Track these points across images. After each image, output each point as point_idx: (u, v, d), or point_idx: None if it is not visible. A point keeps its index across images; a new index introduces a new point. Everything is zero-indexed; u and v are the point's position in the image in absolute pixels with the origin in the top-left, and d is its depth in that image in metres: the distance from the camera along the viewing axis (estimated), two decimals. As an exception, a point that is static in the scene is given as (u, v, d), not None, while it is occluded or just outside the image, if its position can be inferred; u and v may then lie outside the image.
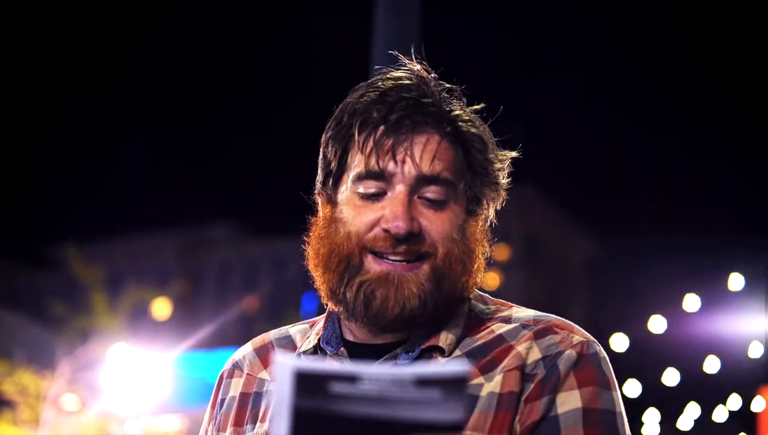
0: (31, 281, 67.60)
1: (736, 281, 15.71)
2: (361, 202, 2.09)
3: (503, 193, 2.23)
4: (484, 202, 2.19)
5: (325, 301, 2.17)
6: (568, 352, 2.02)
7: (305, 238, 2.20)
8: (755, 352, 16.29)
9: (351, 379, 1.28)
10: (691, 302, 17.36)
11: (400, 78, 2.15)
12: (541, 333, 2.06)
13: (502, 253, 54.67)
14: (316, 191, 2.24)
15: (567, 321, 2.13)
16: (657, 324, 17.70)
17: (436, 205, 2.08)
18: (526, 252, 56.03)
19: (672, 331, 17.83)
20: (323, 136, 2.19)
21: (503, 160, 2.22)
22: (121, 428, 23.31)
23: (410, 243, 2.04)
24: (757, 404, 17.30)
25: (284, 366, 1.29)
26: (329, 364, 1.33)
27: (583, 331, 2.10)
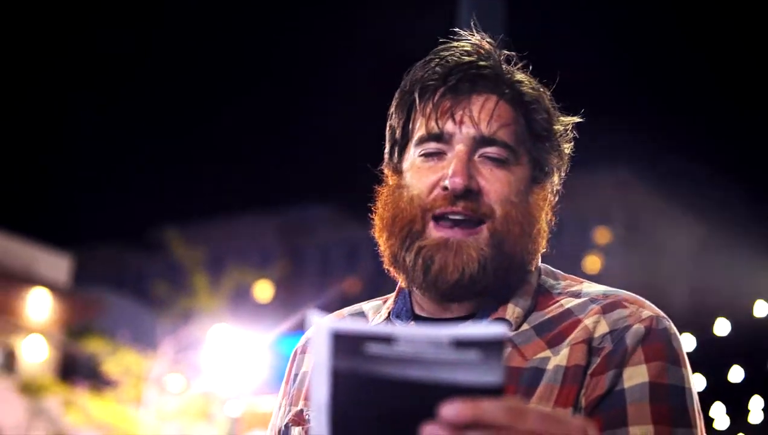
0: (134, 264, 68.65)
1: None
2: (423, 165, 2.09)
3: (567, 160, 2.21)
4: (548, 169, 2.16)
5: (386, 267, 2.17)
6: (636, 326, 1.98)
7: (372, 208, 2.19)
8: None
9: (387, 340, 1.27)
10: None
11: (463, 47, 2.16)
12: (609, 307, 2.03)
13: (603, 236, 54.37)
14: (384, 164, 2.24)
15: (637, 296, 2.09)
16: (762, 309, 17.48)
17: (496, 163, 2.06)
18: (626, 236, 55.66)
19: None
20: (390, 108, 2.20)
21: (566, 126, 2.19)
22: (222, 408, 23.57)
23: (468, 200, 2.02)
24: None
25: (321, 328, 1.28)
26: (366, 325, 1.31)
27: (654, 306, 2.06)
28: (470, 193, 2.03)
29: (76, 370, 31.96)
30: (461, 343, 1.26)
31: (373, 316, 2.32)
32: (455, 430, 1.24)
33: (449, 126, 2.06)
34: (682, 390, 1.93)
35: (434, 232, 2.04)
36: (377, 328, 1.31)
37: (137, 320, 34.00)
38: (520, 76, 2.15)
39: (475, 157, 2.06)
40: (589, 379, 1.94)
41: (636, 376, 1.92)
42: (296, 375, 2.32)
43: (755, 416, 22.49)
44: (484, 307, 2.08)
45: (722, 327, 17.47)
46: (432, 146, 2.08)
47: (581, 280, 2.20)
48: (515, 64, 2.20)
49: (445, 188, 2.03)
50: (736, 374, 19.39)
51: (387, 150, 2.22)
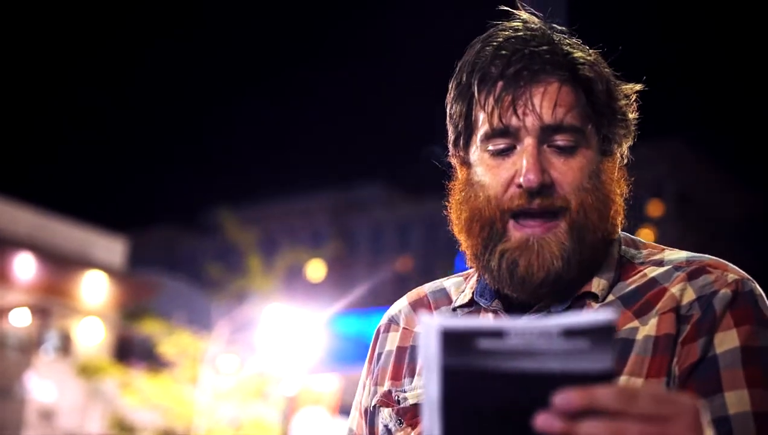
0: (187, 246, 69.26)
1: None
2: (493, 161, 2.06)
3: (633, 129, 2.18)
4: (616, 141, 2.13)
5: (469, 265, 2.16)
6: (723, 291, 1.96)
7: (446, 202, 2.18)
8: None
9: (498, 334, 1.27)
10: None
11: (515, 28, 2.11)
12: (694, 274, 2.01)
13: (655, 209, 54.17)
14: (450, 153, 2.21)
15: (721, 260, 2.07)
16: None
17: (566, 152, 2.03)
18: (679, 208, 55.42)
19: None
20: (447, 96, 2.16)
21: (629, 96, 2.15)
22: (277, 387, 23.72)
23: (544, 196, 2.00)
24: None
25: (430, 326, 1.28)
26: (475, 321, 1.31)
27: (738, 269, 2.04)
28: (545, 188, 2.00)
29: (132, 351, 32.31)
30: (571, 332, 1.26)
31: (455, 293, 2.30)
32: (569, 418, 1.24)
33: (514, 120, 2.03)
34: None
35: (515, 233, 2.03)
36: (487, 322, 1.31)
37: (192, 302, 34.27)
38: (577, 53, 2.10)
39: (545, 147, 2.03)
40: (680, 347, 1.93)
41: (727, 341, 1.91)
42: (380, 354, 2.31)
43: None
44: (569, 282, 2.06)
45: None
46: (500, 141, 2.05)
47: (662, 247, 2.18)
48: (571, 36, 2.15)
49: (520, 186, 2.01)
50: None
51: (451, 141, 2.18)
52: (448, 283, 2.35)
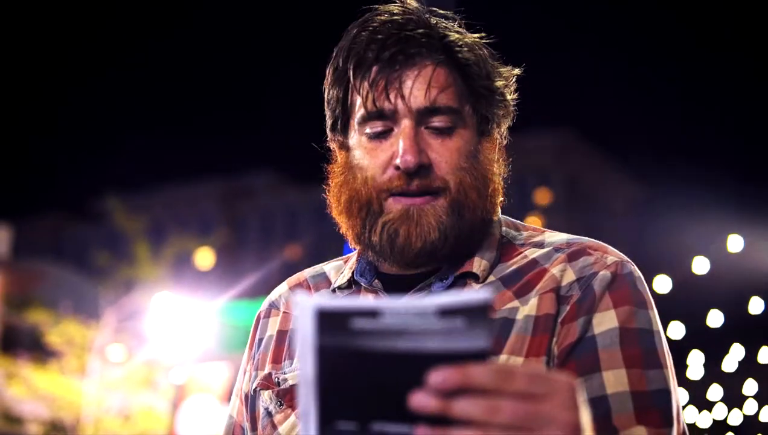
0: (74, 234, 68.19)
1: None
2: (371, 144, 2.10)
3: (512, 110, 2.22)
4: (495, 121, 2.17)
5: (353, 246, 2.20)
6: (602, 272, 2.01)
7: (324, 186, 2.21)
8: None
9: (373, 314, 1.27)
10: (735, 243, 17.30)
11: (391, 12, 2.13)
12: (574, 255, 2.06)
13: (543, 196, 54.65)
14: (328, 138, 2.23)
15: (600, 242, 2.13)
16: (701, 265, 17.66)
17: (443, 133, 2.07)
18: (567, 195, 55.98)
19: (715, 272, 17.77)
20: (325, 81, 2.19)
21: (507, 78, 2.19)
22: (166, 376, 23.52)
23: (422, 176, 2.04)
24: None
25: (305, 306, 1.29)
26: (350, 301, 1.32)
27: (618, 251, 2.10)
28: (423, 169, 2.04)
29: (17, 341, 31.70)
30: (446, 312, 1.26)
31: (335, 276, 2.33)
32: (444, 396, 1.25)
33: (387, 104, 2.06)
34: (650, 332, 1.97)
35: (394, 205, 2.06)
36: (362, 302, 1.31)
37: (79, 290, 33.75)
38: (454, 35, 2.13)
39: (422, 129, 2.06)
40: (560, 327, 1.96)
41: (606, 321, 1.95)
42: (260, 340, 2.33)
43: (694, 372, 22.81)
44: (450, 261, 2.10)
45: (663, 284, 17.66)
46: (377, 124, 2.08)
47: (542, 229, 2.23)
48: (453, 21, 2.18)
49: (398, 167, 2.04)
50: (676, 331, 19.63)
51: (329, 125, 2.21)
52: (328, 266, 2.39)
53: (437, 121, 2.06)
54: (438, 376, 1.25)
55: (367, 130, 2.09)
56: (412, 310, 1.27)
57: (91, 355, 23.56)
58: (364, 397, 1.28)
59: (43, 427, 24.60)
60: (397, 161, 2.03)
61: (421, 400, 1.26)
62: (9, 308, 30.15)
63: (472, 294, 1.28)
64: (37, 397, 23.83)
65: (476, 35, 2.18)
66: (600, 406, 1.87)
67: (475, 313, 1.26)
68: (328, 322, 1.28)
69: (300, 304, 1.30)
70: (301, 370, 1.30)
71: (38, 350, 25.97)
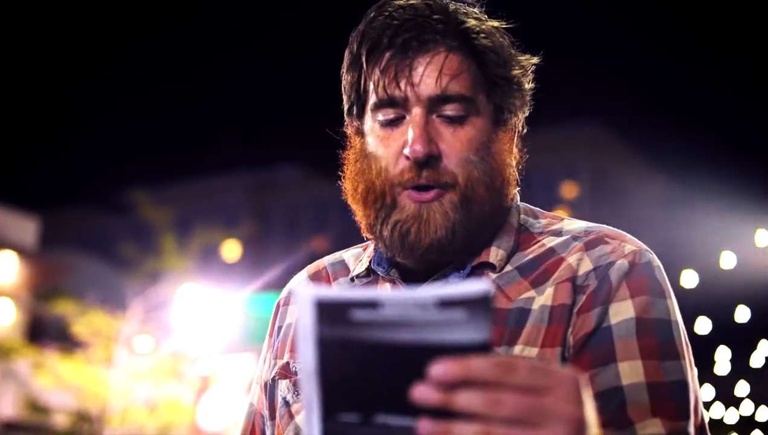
0: (101, 225, 68.37)
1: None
2: (383, 132, 2.08)
3: (529, 100, 2.19)
4: (511, 110, 2.14)
5: (364, 234, 2.18)
6: (619, 261, 1.98)
7: (340, 172, 2.19)
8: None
9: (372, 305, 1.27)
10: (763, 238, 17.20)
11: None
12: (592, 244, 2.03)
13: (570, 190, 54.51)
14: (345, 123, 2.22)
15: (619, 231, 2.09)
16: (728, 260, 17.57)
17: (455, 122, 2.04)
18: (594, 189, 55.81)
19: (743, 267, 17.67)
20: (342, 66, 2.17)
21: (525, 66, 2.16)
22: (192, 367, 23.59)
23: (431, 167, 2.02)
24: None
25: (305, 296, 1.28)
26: (350, 292, 1.32)
27: (636, 240, 2.07)
28: (432, 159, 2.02)
29: (44, 332, 31.88)
30: (446, 303, 1.25)
31: (354, 264, 2.32)
32: (445, 389, 1.24)
33: (398, 91, 2.04)
34: (668, 323, 1.94)
35: (408, 202, 2.04)
36: (361, 293, 1.32)
37: (106, 282, 33.86)
38: (471, 22, 2.10)
39: (434, 118, 2.04)
40: (575, 317, 1.95)
41: (622, 311, 1.93)
42: (280, 327, 2.33)
43: (721, 368, 22.70)
44: (465, 252, 2.08)
45: (690, 279, 17.57)
46: (389, 111, 2.06)
47: (561, 217, 2.20)
48: (474, 6, 2.15)
49: (407, 157, 2.02)
50: (703, 326, 19.53)
51: (345, 110, 2.20)
52: (347, 254, 2.38)
53: (449, 110, 2.04)
54: (439, 369, 1.24)
55: (380, 118, 2.07)
56: (412, 301, 1.26)
57: (117, 345, 23.64)
58: (365, 389, 1.28)
59: (70, 417, 24.67)
60: (407, 151, 2.01)
61: (423, 393, 1.25)
62: (36, 299, 30.24)
63: (473, 285, 1.26)
64: (64, 387, 23.92)
65: (496, 22, 2.15)
66: (615, 397, 1.85)
67: (476, 305, 1.25)
68: (328, 313, 1.27)
69: (299, 294, 1.29)
70: (302, 361, 1.29)
71: (65, 341, 26.06)
